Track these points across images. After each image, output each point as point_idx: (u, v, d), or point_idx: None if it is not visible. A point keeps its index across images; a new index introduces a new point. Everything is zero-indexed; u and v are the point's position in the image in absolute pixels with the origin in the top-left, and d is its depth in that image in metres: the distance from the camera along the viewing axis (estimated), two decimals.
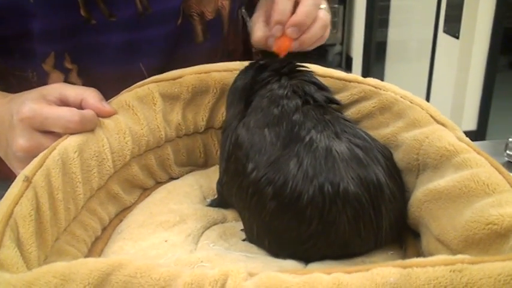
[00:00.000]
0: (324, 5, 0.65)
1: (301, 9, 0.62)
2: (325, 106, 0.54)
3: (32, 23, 0.65)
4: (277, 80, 0.56)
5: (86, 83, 0.71)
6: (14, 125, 0.52)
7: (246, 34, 0.88)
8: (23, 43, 0.67)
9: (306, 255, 0.49)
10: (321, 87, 0.56)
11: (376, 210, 0.47)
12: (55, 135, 0.52)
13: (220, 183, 0.58)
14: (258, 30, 0.65)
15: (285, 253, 0.50)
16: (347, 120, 0.53)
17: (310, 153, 0.47)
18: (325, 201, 0.45)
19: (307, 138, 0.48)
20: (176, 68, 0.71)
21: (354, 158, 0.47)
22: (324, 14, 0.64)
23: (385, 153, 0.50)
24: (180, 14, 0.73)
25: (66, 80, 0.71)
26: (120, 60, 0.72)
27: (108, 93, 0.70)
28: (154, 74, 0.74)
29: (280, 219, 0.48)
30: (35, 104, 0.52)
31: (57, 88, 0.55)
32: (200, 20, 0.76)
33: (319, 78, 0.58)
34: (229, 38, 0.82)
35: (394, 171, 0.50)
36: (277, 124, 0.51)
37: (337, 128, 0.49)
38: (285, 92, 0.54)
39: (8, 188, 0.45)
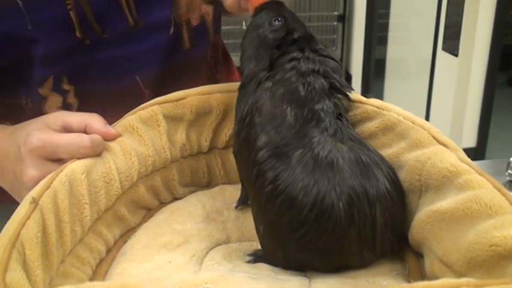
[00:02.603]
0: None
1: None
2: (343, 105, 0.56)
3: (33, 48, 0.65)
4: (302, 50, 0.56)
5: (83, 102, 0.72)
6: (22, 156, 0.52)
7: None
8: (18, 71, 0.67)
9: (300, 249, 0.49)
10: (338, 68, 0.57)
11: (371, 204, 0.47)
12: (64, 162, 0.52)
13: (233, 152, 0.59)
14: None
15: (276, 244, 0.51)
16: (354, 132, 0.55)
17: (314, 150, 0.49)
18: (320, 191, 0.46)
19: (317, 138, 0.50)
20: (172, 78, 0.71)
21: (354, 157, 0.49)
22: None
23: (386, 163, 0.52)
24: (172, 24, 0.74)
25: (64, 102, 0.71)
26: (116, 75, 0.72)
27: (107, 110, 0.70)
28: (151, 86, 0.74)
29: (272, 203, 0.49)
30: (43, 133, 0.52)
31: (59, 116, 0.56)
32: (187, 27, 0.76)
33: None
34: (211, 44, 0.83)
35: (395, 178, 0.51)
36: (301, 106, 0.53)
37: (345, 135, 0.51)
38: (312, 68, 0.55)
39: (12, 212, 0.45)
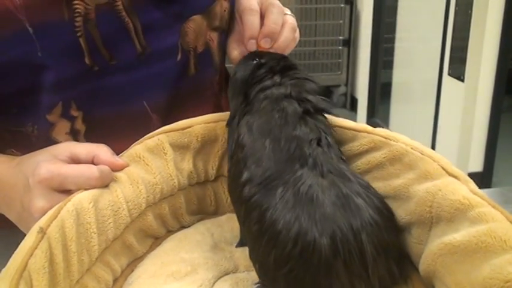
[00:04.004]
0: (287, 11, 0.71)
1: (269, 20, 0.67)
2: (323, 129, 0.55)
3: (43, 75, 0.65)
4: (271, 77, 0.59)
5: (91, 128, 0.72)
6: (31, 187, 0.52)
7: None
8: (25, 97, 0.68)
9: (288, 285, 0.48)
10: (314, 89, 0.59)
11: (355, 234, 0.46)
12: (72, 193, 0.52)
13: (228, 191, 0.60)
14: (234, 50, 0.72)
15: (268, 282, 0.51)
16: (337, 156, 0.54)
17: (295, 186, 0.49)
18: (301, 227, 0.46)
19: (298, 173, 0.50)
20: (178, 103, 0.72)
21: (335, 191, 0.48)
22: (289, 18, 0.70)
23: (370, 191, 0.51)
24: (179, 50, 0.74)
25: (72, 128, 0.71)
26: (124, 100, 0.72)
27: (114, 135, 0.70)
28: (159, 111, 0.75)
29: (260, 242, 0.49)
30: (51, 164, 0.52)
31: (67, 147, 0.56)
32: (193, 53, 0.77)
33: None
34: (215, 70, 0.84)
35: (380, 205, 0.50)
36: (277, 136, 0.53)
37: (325, 168, 0.51)
38: (284, 92, 0.56)
39: (15, 235, 0.45)
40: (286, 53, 0.70)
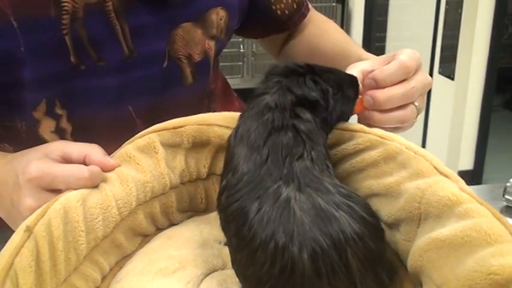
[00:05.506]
0: (417, 103, 0.65)
1: (393, 89, 0.62)
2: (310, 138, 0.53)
3: (22, 71, 0.65)
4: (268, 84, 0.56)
5: (77, 128, 0.72)
6: (20, 185, 0.52)
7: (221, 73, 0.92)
8: (12, 93, 0.67)
9: None
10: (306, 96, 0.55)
11: (339, 251, 0.45)
12: (62, 192, 0.52)
13: None
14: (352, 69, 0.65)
15: None
16: (321, 165, 0.52)
17: (270, 200, 0.47)
18: (277, 246, 0.44)
19: (275, 185, 0.48)
20: (165, 110, 0.71)
21: (313, 207, 0.46)
22: (411, 110, 0.64)
23: (352, 200, 0.49)
24: (166, 57, 0.74)
25: (58, 126, 0.71)
26: (109, 103, 0.72)
27: (101, 136, 0.70)
28: (143, 116, 0.74)
29: (240, 255, 0.49)
30: (41, 163, 0.52)
31: (59, 146, 0.56)
32: (188, 62, 0.77)
33: None
34: (210, 78, 0.84)
35: (363, 213, 0.48)
36: (256, 146, 0.51)
37: (302, 180, 0.49)
38: (270, 100, 0.54)
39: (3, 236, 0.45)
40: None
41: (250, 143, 0.52)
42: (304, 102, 0.55)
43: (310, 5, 0.95)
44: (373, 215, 0.50)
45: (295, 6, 0.89)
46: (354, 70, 0.64)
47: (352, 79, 0.61)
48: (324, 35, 0.92)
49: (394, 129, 0.65)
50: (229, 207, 0.50)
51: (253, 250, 0.46)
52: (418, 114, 0.66)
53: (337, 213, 0.46)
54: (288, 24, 0.90)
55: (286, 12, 0.88)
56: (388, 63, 0.63)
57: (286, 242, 0.44)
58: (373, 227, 0.49)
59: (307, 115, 0.54)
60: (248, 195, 0.48)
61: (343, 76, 0.61)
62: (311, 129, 0.54)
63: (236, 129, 0.55)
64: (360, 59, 0.72)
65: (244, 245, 0.47)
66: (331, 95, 0.57)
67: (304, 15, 0.92)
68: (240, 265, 0.50)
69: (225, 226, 0.51)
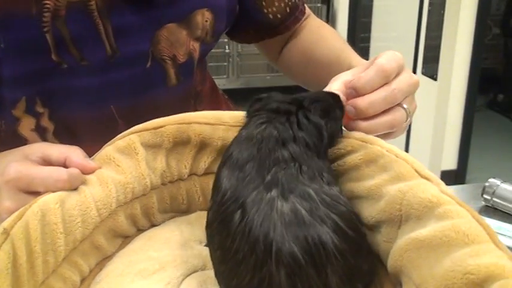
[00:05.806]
0: (406, 105, 0.62)
1: (374, 95, 0.59)
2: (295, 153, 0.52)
3: (1, 68, 0.64)
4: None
5: (59, 127, 0.71)
6: None
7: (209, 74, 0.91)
8: None
9: None
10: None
11: (318, 268, 0.45)
12: (41, 194, 0.52)
13: None
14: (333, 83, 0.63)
15: None
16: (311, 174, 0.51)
17: (253, 209, 0.47)
18: (257, 259, 0.45)
19: (255, 194, 0.48)
20: (148, 110, 0.71)
21: (295, 219, 0.46)
22: (400, 113, 0.62)
23: (338, 211, 0.48)
24: (149, 57, 0.74)
25: (38, 124, 0.70)
26: (91, 103, 0.72)
27: (83, 136, 0.69)
28: (126, 117, 0.74)
29: (224, 267, 0.49)
30: (20, 165, 0.52)
31: (40, 148, 0.56)
32: (173, 63, 0.77)
33: None
34: (196, 79, 0.83)
35: (345, 225, 0.48)
36: (238, 166, 0.51)
37: (286, 188, 0.48)
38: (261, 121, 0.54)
39: None
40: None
41: (232, 164, 0.52)
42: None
43: (307, 10, 0.94)
44: (354, 226, 0.49)
45: (288, 10, 0.88)
46: (336, 83, 0.62)
47: (335, 98, 0.60)
48: (319, 40, 0.91)
49: (386, 136, 0.63)
50: (214, 223, 0.50)
51: (238, 263, 0.46)
52: (408, 117, 0.64)
53: (319, 228, 0.46)
54: (280, 28, 0.89)
55: (279, 16, 0.87)
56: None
57: (265, 257, 0.44)
58: (354, 241, 0.49)
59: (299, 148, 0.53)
60: (230, 207, 0.48)
61: (328, 98, 0.59)
62: (302, 152, 0.53)
63: (222, 158, 0.55)
64: (349, 67, 0.71)
65: (229, 258, 0.47)
66: (325, 129, 0.55)
67: (298, 19, 0.90)
68: (224, 276, 0.50)
69: (210, 240, 0.52)
